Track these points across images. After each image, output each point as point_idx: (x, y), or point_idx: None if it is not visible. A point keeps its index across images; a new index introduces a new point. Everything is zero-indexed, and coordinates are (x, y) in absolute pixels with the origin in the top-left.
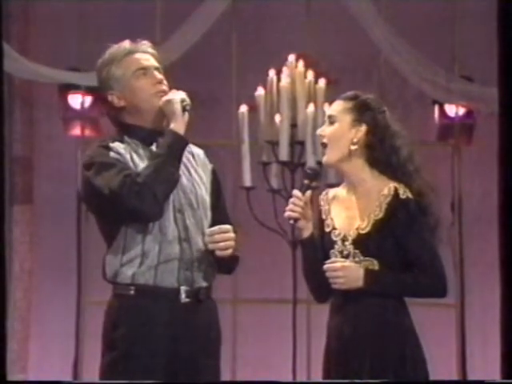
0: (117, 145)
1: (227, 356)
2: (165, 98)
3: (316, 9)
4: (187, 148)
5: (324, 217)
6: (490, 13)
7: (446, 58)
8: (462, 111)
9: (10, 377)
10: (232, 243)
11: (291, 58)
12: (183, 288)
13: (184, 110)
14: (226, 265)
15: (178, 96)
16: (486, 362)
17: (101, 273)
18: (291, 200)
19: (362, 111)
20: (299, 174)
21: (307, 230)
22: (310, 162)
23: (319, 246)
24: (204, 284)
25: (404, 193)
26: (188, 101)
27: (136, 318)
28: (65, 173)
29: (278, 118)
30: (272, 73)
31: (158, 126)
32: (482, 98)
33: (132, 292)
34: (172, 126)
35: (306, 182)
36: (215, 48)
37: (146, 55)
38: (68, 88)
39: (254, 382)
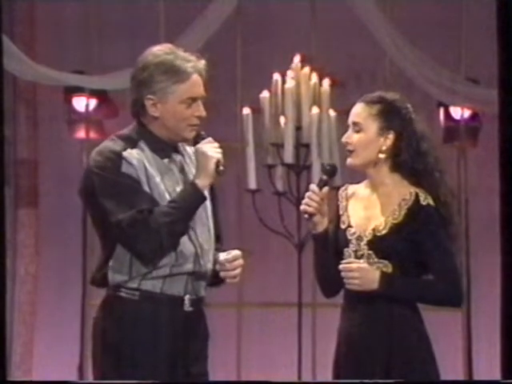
0: (129, 153)
1: (232, 359)
2: (202, 149)
3: (321, 11)
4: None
5: (341, 212)
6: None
7: (451, 60)
8: (467, 113)
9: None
10: (240, 270)
11: (296, 60)
12: (188, 297)
13: (217, 172)
14: (220, 282)
15: (216, 155)
16: (491, 363)
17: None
18: (307, 194)
19: (389, 117)
20: (304, 176)
21: (321, 224)
22: (315, 164)
23: (333, 241)
24: (204, 294)
25: (425, 199)
26: (222, 162)
27: (140, 323)
28: (70, 175)
29: (282, 120)
30: (277, 75)
31: (175, 142)
32: (487, 101)
33: (136, 297)
34: (198, 181)
35: (323, 177)
36: (220, 50)
37: (200, 79)
38: (73, 91)
39: (257, 382)
